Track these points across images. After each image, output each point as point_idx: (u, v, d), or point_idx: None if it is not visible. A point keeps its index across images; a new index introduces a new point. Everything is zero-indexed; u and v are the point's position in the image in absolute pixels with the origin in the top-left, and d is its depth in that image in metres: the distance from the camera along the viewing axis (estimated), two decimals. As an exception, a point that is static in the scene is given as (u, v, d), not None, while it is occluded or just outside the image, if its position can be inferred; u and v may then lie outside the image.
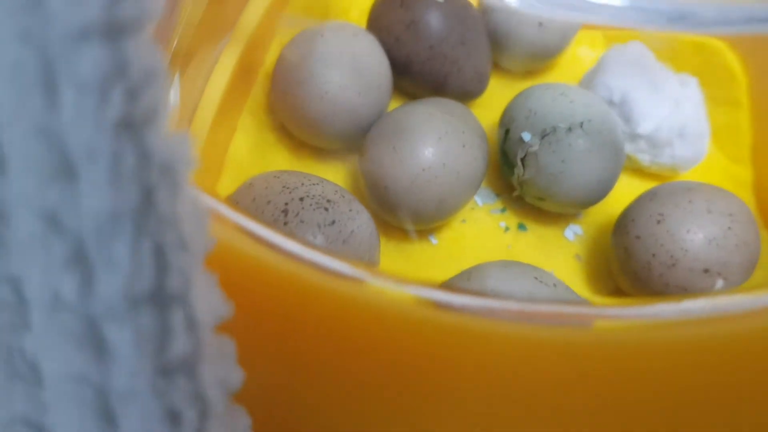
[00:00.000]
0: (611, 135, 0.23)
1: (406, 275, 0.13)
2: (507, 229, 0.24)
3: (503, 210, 0.25)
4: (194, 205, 0.09)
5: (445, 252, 0.23)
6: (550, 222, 0.25)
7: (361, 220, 0.19)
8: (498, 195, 0.25)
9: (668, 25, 0.14)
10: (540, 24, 0.27)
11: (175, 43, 0.19)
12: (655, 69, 0.26)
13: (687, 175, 0.27)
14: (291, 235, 0.13)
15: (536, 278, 0.19)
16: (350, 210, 0.19)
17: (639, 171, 0.26)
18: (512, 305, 0.12)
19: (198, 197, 0.09)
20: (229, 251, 0.13)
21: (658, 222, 0.21)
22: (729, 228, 0.21)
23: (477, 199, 0.25)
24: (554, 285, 0.19)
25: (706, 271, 0.21)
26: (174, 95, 0.19)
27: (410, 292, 0.12)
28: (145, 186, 0.08)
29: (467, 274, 0.19)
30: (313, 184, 0.19)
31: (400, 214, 0.22)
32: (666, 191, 0.22)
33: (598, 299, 0.23)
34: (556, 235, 0.24)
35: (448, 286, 0.15)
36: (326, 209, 0.18)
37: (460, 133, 0.22)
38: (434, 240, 0.24)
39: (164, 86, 0.08)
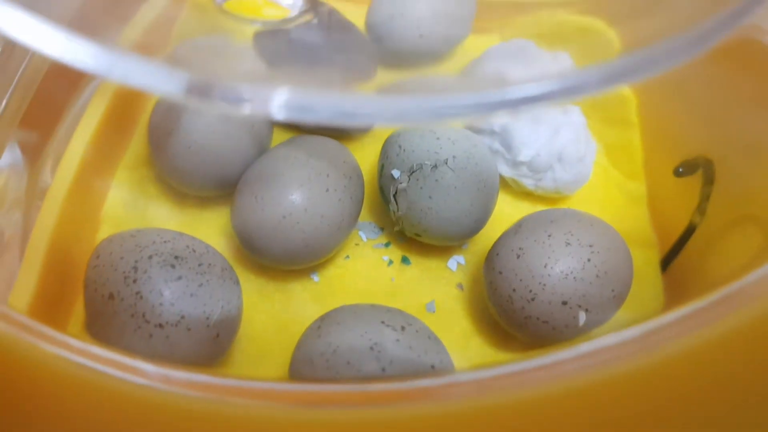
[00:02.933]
0: (478, 169, 0.23)
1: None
2: (390, 262, 0.25)
3: (387, 244, 0.25)
4: None
5: (327, 289, 0.24)
6: (434, 254, 0.25)
7: (211, 274, 0.20)
8: (382, 229, 0.25)
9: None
10: (420, 35, 0.27)
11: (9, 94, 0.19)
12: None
13: (582, 194, 0.27)
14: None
15: (383, 322, 0.19)
16: (199, 265, 0.20)
17: (528, 195, 0.27)
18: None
19: None
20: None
21: (518, 257, 0.21)
22: (588, 260, 0.21)
23: (361, 234, 0.25)
24: (402, 328, 0.19)
25: (564, 303, 0.21)
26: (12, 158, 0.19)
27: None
28: None
29: (319, 322, 0.20)
30: (164, 242, 0.20)
31: (271, 258, 0.22)
32: (530, 224, 0.22)
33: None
34: (439, 267, 0.25)
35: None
36: (173, 266, 0.19)
37: (323, 177, 0.22)
38: (316, 278, 0.24)
39: None
